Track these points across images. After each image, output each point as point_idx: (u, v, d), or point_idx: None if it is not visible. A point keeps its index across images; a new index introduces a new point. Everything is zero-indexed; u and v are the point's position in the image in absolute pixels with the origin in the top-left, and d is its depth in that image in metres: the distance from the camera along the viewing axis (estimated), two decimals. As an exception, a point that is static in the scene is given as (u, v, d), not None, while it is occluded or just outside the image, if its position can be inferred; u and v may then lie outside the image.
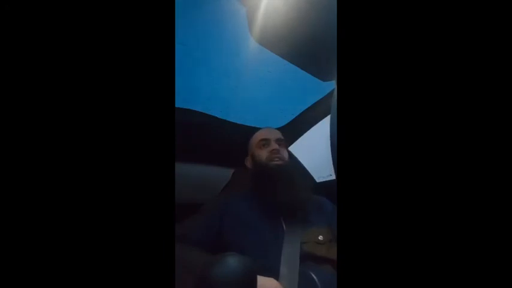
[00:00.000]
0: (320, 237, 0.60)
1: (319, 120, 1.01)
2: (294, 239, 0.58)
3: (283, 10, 0.62)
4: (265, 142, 0.73)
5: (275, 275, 0.51)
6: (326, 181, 1.09)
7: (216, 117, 0.96)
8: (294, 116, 1.02)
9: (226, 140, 0.90)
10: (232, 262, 0.42)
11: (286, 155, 0.73)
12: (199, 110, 0.93)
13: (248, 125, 0.96)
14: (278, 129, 1.01)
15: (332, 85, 0.86)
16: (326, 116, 0.98)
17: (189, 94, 0.86)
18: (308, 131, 1.06)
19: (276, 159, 0.69)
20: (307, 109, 0.98)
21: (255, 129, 0.80)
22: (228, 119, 0.97)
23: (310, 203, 0.67)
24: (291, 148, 1.10)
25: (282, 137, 0.76)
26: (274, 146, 0.71)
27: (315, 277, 0.52)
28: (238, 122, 0.98)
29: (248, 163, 0.77)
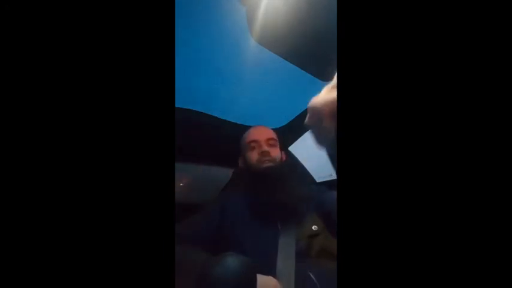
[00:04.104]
0: (314, 227, 0.59)
1: (319, 120, 1.01)
2: (289, 238, 0.58)
3: (283, 10, 0.62)
4: (254, 144, 0.71)
5: (272, 274, 0.52)
6: (326, 181, 1.09)
7: (216, 117, 0.96)
8: (294, 116, 1.02)
9: (226, 140, 0.90)
10: (232, 262, 0.42)
11: (278, 155, 0.71)
12: (199, 110, 0.93)
13: (248, 125, 0.96)
14: (278, 129, 1.01)
15: (332, 85, 0.86)
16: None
17: (189, 94, 0.86)
18: (308, 131, 1.05)
19: (266, 161, 0.68)
20: (307, 109, 0.98)
21: (254, 130, 0.80)
22: (228, 119, 0.97)
23: (304, 202, 0.66)
24: (291, 148, 1.10)
25: (274, 137, 0.74)
26: (264, 147, 0.69)
27: (311, 275, 0.52)
28: (238, 122, 0.98)
29: (240, 163, 0.76)
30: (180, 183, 1.09)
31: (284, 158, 0.75)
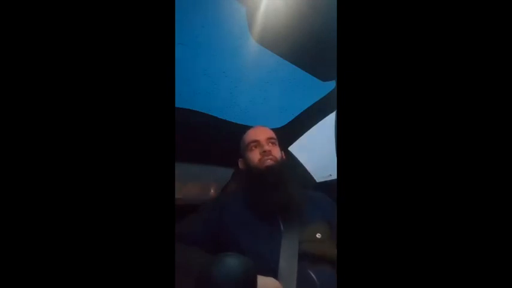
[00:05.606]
0: (318, 235, 0.60)
1: (319, 120, 1.01)
2: (291, 239, 0.58)
3: (283, 10, 0.62)
4: (256, 143, 0.72)
5: (274, 275, 0.51)
6: (326, 181, 1.09)
7: (216, 117, 0.96)
8: (294, 116, 1.02)
9: (226, 140, 0.90)
10: (233, 262, 0.42)
11: (278, 155, 0.71)
12: (199, 110, 0.93)
13: (248, 125, 0.96)
14: (278, 129, 1.01)
15: (332, 85, 0.87)
16: (326, 116, 0.98)
17: (189, 94, 0.86)
18: (308, 131, 1.06)
19: (268, 160, 0.68)
20: (307, 109, 0.98)
21: (254, 130, 0.80)
22: (228, 119, 0.97)
23: (306, 201, 0.66)
24: (291, 148, 1.10)
25: (273, 136, 0.74)
26: (266, 147, 0.70)
27: (314, 276, 0.52)
28: (238, 122, 0.98)
29: (241, 165, 0.76)
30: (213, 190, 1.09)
31: (284, 157, 0.75)
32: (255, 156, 0.70)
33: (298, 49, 0.73)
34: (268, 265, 0.53)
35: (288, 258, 0.54)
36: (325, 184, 1.08)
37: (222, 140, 0.97)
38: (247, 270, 0.42)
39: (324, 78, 0.83)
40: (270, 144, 0.71)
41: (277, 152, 0.71)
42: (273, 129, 0.79)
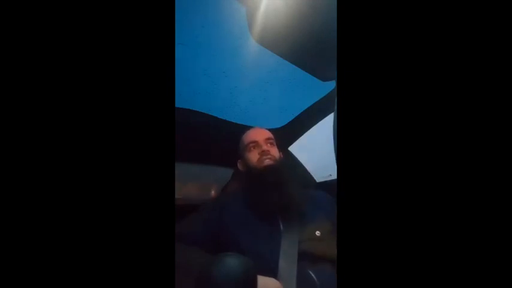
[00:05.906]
0: (317, 233, 0.60)
1: (319, 120, 1.01)
2: (291, 238, 0.58)
3: (283, 10, 0.62)
4: (254, 144, 0.72)
5: (273, 275, 0.51)
6: (326, 181, 1.10)
7: (216, 117, 0.96)
8: (294, 116, 1.02)
9: (226, 140, 0.90)
10: (233, 262, 0.42)
11: (277, 155, 0.72)
12: (199, 110, 0.93)
13: (248, 125, 0.97)
14: (278, 129, 1.02)
15: (332, 85, 0.87)
16: (326, 116, 0.98)
17: (189, 94, 0.86)
18: (308, 131, 1.06)
19: (266, 160, 0.69)
20: (307, 109, 0.98)
21: (254, 130, 0.80)
22: (228, 119, 0.97)
23: (306, 201, 0.67)
24: (291, 148, 1.10)
25: (271, 136, 0.75)
26: (264, 147, 0.71)
27: (314, 276, 0.52)
28: (238, 122, 0.98)
29: (240, 166, 0.77)
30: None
31: (283, 157, 0.75)
32: (253, 156, 0.70)
33: (298, 49, 0.73)
34: (268, 265, 0.53)
35: (287, 258, 0.55)
36: (325, 184, 1.08)
37: (222, 140, 0.97)
38: (247, 270, 0.42)
39: (324, 78, 0.83)
40: (268, 144, 0.72)
41: (275, 152, 0.72)
42: (273, 129, 0.79)
